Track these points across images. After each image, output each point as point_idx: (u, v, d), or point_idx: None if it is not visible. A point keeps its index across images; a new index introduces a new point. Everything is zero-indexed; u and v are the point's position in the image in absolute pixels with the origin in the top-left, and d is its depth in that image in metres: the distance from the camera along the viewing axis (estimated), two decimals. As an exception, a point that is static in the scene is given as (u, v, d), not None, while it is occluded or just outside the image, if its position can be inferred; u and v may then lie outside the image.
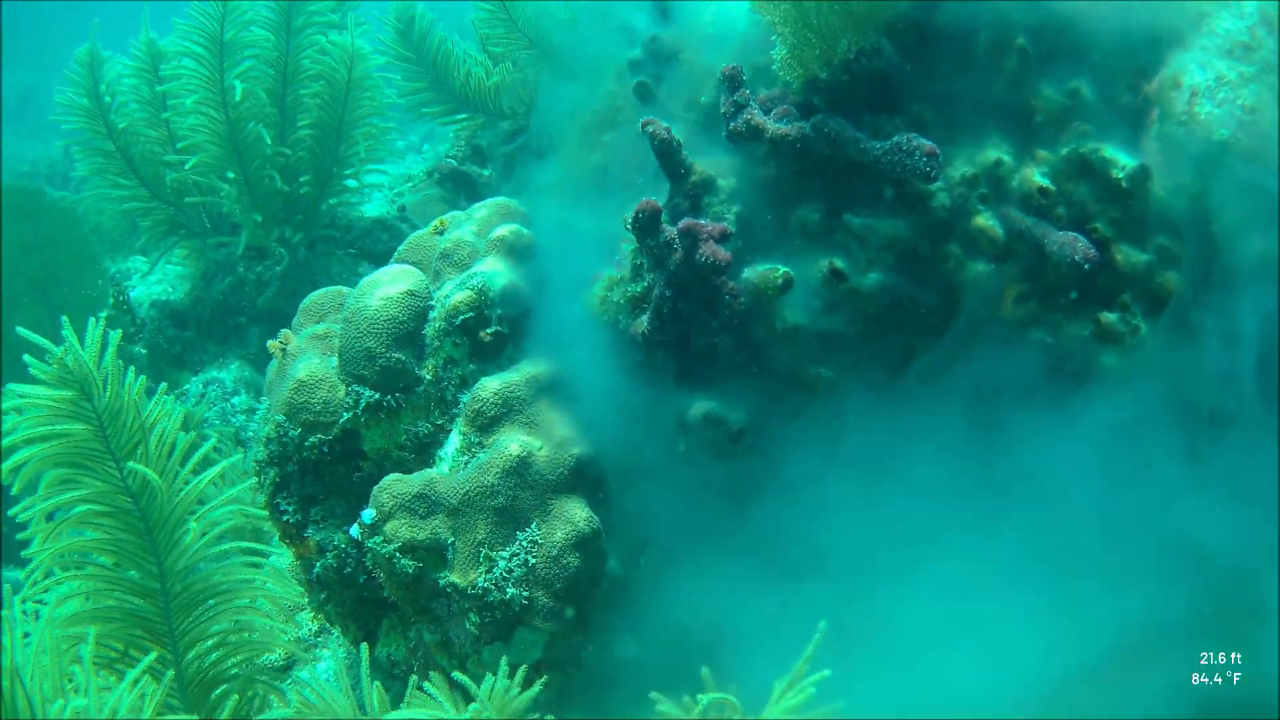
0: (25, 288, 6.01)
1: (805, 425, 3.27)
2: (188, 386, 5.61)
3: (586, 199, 3.90)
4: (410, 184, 6.46)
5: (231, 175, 5.39)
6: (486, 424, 3.46)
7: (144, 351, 5.97)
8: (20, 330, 3.13)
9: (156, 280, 6.32)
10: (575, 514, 3.34)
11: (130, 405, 3.22)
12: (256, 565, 3.90)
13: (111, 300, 5.96)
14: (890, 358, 3.32)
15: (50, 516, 3.37)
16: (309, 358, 3.68)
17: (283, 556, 4.16)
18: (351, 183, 5.83)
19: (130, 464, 3.19)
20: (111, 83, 5.73)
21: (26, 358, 3.26)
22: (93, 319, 3.23)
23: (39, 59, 19.76)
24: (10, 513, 3.28)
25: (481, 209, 3.96)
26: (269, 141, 5.37)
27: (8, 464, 3.14)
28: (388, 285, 3.63)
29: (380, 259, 5.91)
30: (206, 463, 3.74)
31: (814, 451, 3.23)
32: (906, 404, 3.22)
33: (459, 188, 6.12)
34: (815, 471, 3.19)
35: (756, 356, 3.38)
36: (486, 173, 6.03)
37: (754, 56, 3.53)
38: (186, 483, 3.45)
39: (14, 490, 3.21)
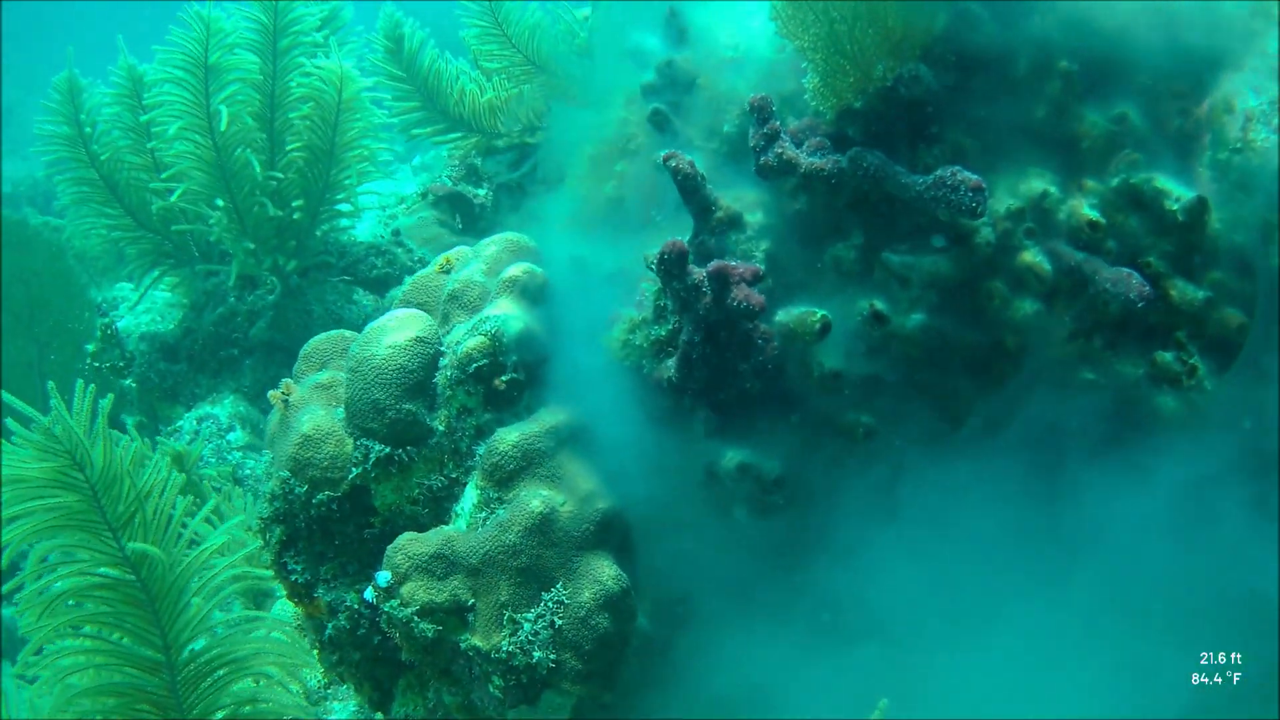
0: (9, 320, 5.79)
1: (848, 476, 3.08)
2: (180, 423, 5.40)
3: (600, 233, 3.70)
4: (404, 205, 6.25)
5: (221, 203, 5.17)
6: (505, 478, 3.27)
7: (134, 385, 5.75)
8: (5, 397, 2.92)
9: (144, 309, 6.11)
10: (603, 572, 3.15)
11: (125, 474, 3.01)
12: (261, 619, 3.70)
13: (99, 333, 5.74)
14: (936, 403, 3.14)
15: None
16: (313, 410, 3.48)
17: (287, 604, 3.96)
18: (345, 206, 5.61)
19: (132, 544, 2.98)
20: (92, 110, 5.51)
21: (10, 422, 3.05)
22: (80, 382, 3.03)
23: (18, 76, 19.51)
24: (4, 588, 3.07)
25: (490, 245, 3.76)
26: (258, 167, 5.15)
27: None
28: (395, 332, 3.43)
29: (375, 285, 5.70)
30: (207, 515, 3.54)
31: (860, 504, 3.04)
32: (958, 452, 3.04)
33: (454, 209, 5.92)
34: (863, 525, 3.01)
35: (790, 403, 3.19)
36: (482, 193, 5.83)
37: (780, 83, 3.34)
38: (189, 548, 3.25)
39: (2, 565, 3.00)
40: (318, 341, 3.76)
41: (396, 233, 5.90)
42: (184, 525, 3.21)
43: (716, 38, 3.64)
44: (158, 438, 5.37)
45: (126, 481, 3.02)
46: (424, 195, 6.10)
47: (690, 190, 3.18)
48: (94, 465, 2.95)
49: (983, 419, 3.07)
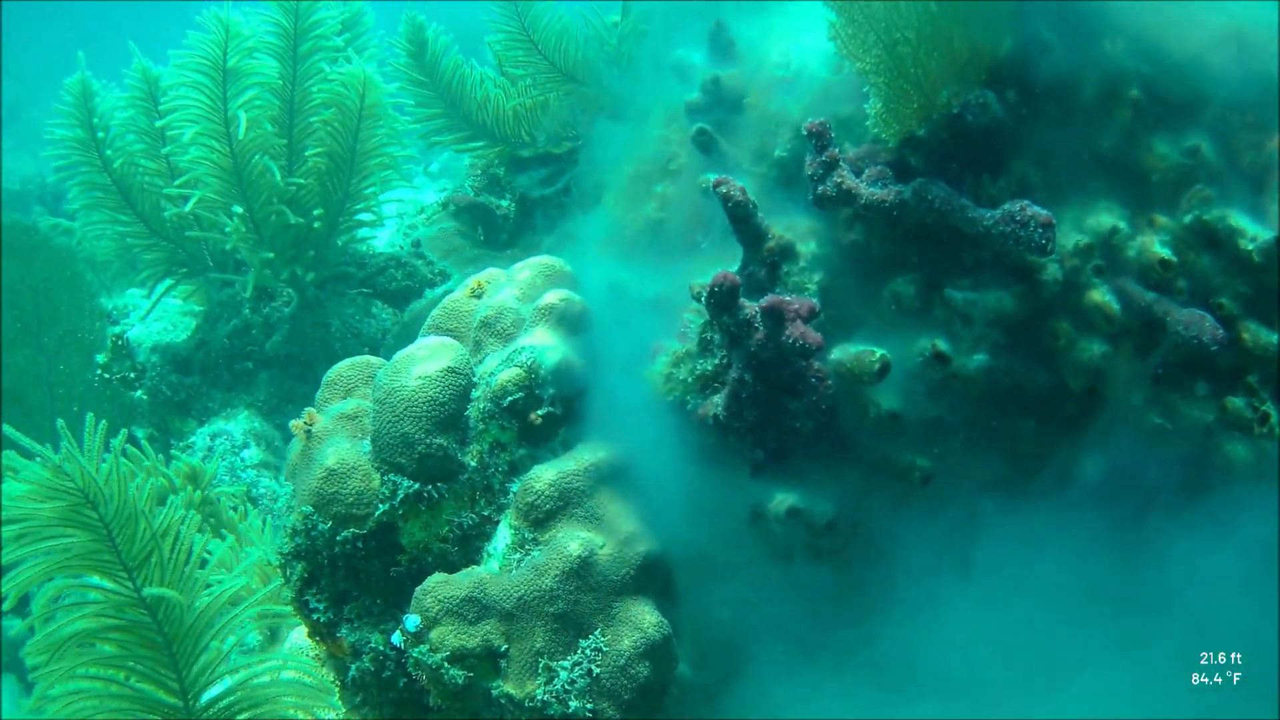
0: (17, 329, 5.63)
1: (912, 523, 2.92)
2: (193, 439, 5.24)
3: (640, 258, 3.55)
4: (424, 215, 6.08)
5: (238, 210, 5.00)
6: (541, 519, 3.11)
7: (144, 398, 5.59)
8: (8, 430, 2.77)
9: (156, 318, 5.95)
10: (643, 618, 3.00)
11: (140, 514, 2.86)
12: (280, 658, 3.54)
13: (109, 343, 5.58)
14: (1003, 448, 2.98)
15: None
16: (338, 441, 3.32)
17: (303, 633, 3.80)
18: (365, 216, 5.45)
19: (149, 589, 2.83)
20: (105, 114, 5.34)
21: (10, 456, 2.90)
22: (90, 415, 2.87)
23: (26, 71, 19.39)
24: (11, 632, 2.91)
25: (523, 269, 3.60)
26: (278, 174, 4.99)
27: (8, 586, 2.78)
28: (425, 362, 3.27)
29: (394, 298, 5.55)
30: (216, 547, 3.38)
31: (926, 553, 2.89)
32: (1030, 501, 2.89)
33: (476, 220, 5.76)
34: (930, 575, 2.86)
35: (843, 444, 3.03)
36: (505, 204, 5.67)
37: (836, 106, 3.17)
38: (207, 588, 3.09)
39: (5, 605, 2.85)
40: (342, 368, 3.60)
41: (417, 244, 5.73)
42: (203, 562, 3.05)
43: (766, 54, 3.48)
44: (173, 452, 5.22)
45: (142, 522, 2.87)
46: (445, 205, 5.92)
47: (741, 218, 3.02)
48: (108, 503, 2.79)
49: (1054, 465, 2.91)
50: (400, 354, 3.34)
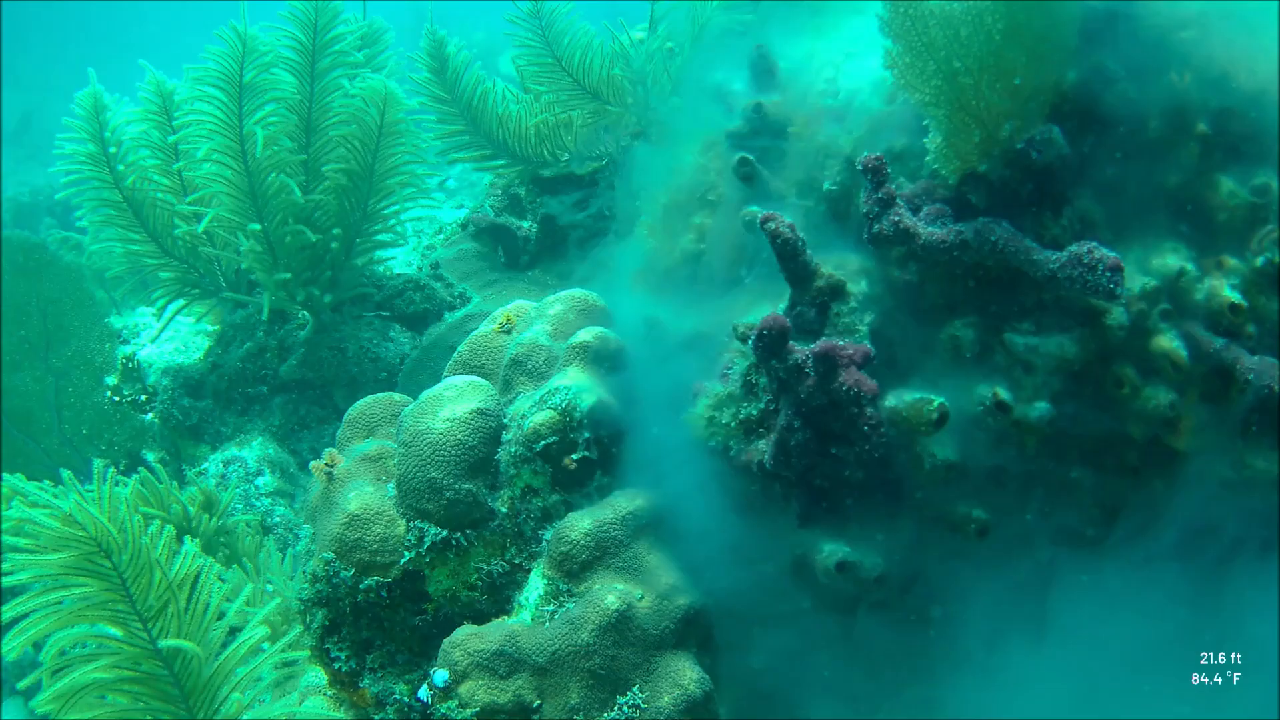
0: (24, 349, 5.48)
1: (971, 576, 2.78)
2: (206, 465, 5.09)
3: (677, 292, 3.40)
4: (443, 236, 5.93)
5: (255, 227, 4.86)
6: (576, 569, 2.97)
7: (156, 421, 5.44)
8: (9, 480, 2.62)
9: (168, 339, 5.80)
10: (684, 674, 2.87)
11: (155, 564, 2.71)
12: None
13: (119, 365, 5.43)
14: (1066, 500, 2.83)
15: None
16: (361, 486, 3.18)
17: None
18: (384, 236, 5.29)
19: (165, 641, 2.68)
20: (117, 129, 5.18)
21: (17, 504, 2.75)
22: (101, 463, 2.72)
23: (37, 81, 19.31)
24: (19, 685, 2.77)
25: (555, 304, 3.45)
26: (298, 192, 4.84)
27: (18, 639, 2.63)
28: (453, 403, 3.13)
29: (412, 322, 5.40)
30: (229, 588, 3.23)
31: (986, 609, 2.74)
32: (1097, 555, 2.74)
33: (497, 241, 5.61)
34: (991, 632, 2.71)
35: (896, 494, 2.88)
36: (526, 225, 5.52)
37: (889, 138, 3.03)
38: (226, 640, 2.95)
39: (11, 656, 2.70)
40: (364, 405, 3.46)
41: (435, 265, 5.58)
42: (221, 613, 2.91)
43: (810, 81, 3.33)
44: (188, 476, 5.07)
45: (158, 572, 2.72)
46: (464, 226, 5.77)
47: (789, 256, 2.87)
48: (121, 551, 2.65)
49: (1126, 518, 2.76)
50: (426, 394, 3.19)
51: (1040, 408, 2.79)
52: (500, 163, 5.62)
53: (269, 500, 4.91)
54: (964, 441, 2.80)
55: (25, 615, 2.69)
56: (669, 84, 4.89)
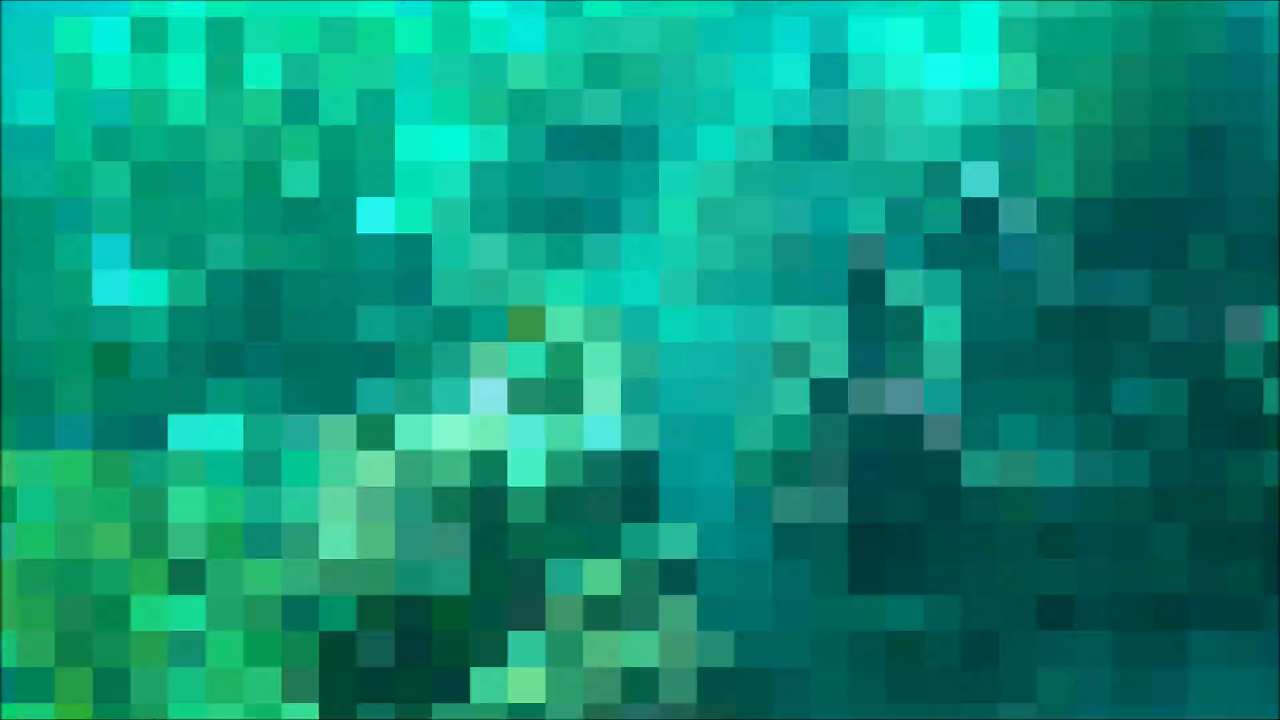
0: None
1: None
2: (175, 441, 4.77)
3: (715, 302, 3.04)
4: (444, 214, 5.57)
5: (241, 195, 4.50)
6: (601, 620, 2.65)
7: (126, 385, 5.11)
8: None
9: (138, 300, 5.45)
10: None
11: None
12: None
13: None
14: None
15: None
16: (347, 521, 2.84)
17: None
18: (379, 204, 4.95)
19: None
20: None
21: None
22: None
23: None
24: None
25: (575, 311, 3.13)
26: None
27: None
28: (459, 428, 2.78)
29: (410, 306, 5.04)
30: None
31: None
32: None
33: (506, 223, 5.25)
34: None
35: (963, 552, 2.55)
36: (538, 206, 5.16)
37: (980, 151, 2.66)
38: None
39: None
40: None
41: (434, 250, 5.23)
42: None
43: (883, 77, 2.95)
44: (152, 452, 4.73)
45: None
46: (470, 206, 5.42)
47: (859, 273, 2.54)
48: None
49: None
50: (432, 417, 2.87)
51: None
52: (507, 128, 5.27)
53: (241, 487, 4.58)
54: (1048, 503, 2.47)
55: None
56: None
